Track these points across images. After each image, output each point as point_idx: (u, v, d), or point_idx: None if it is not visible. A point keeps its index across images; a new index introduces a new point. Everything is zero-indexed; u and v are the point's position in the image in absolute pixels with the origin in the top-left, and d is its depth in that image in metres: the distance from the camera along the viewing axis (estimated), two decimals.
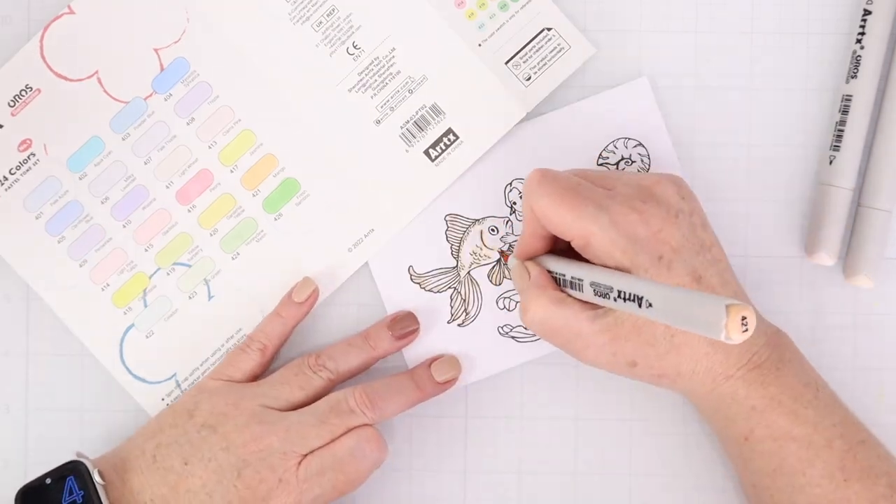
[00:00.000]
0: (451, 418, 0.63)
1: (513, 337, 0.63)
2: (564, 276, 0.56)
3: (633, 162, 0.62)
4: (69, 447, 0.63)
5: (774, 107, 0.63)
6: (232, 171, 0.63)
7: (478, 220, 0.63)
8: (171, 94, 0.63)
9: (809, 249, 0.62)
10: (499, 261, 0.63)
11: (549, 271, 0.57)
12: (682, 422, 0.63)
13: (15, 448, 0.63)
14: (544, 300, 0.55)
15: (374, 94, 0.63)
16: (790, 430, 0.55)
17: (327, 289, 0.63)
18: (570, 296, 0.56)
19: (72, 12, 0.62)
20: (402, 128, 0.63)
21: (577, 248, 0.56)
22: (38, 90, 0.62)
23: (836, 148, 0.61)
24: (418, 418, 0.63)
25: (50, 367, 0.63)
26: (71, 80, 0.62)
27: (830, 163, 0.62)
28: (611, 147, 0.63)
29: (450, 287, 0.63)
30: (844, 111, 0.61)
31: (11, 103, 0.62)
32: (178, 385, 0.62)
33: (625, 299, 0.50)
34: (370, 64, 0.63)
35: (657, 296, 0.48)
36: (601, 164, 0.62)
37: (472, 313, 0.63)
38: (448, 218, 0.63)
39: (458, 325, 0.63)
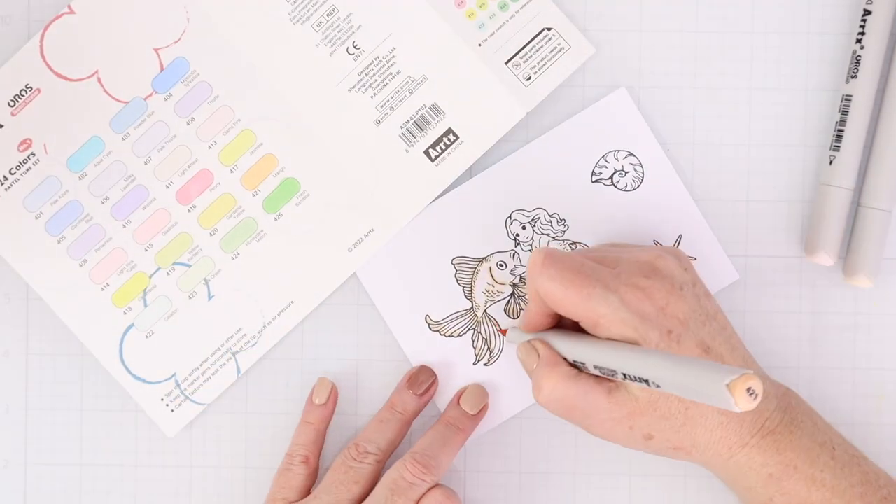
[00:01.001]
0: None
1: None
2: (568, 359, 0.56)
3: (626, 173, 0.62)
4: (69, 447, 0.63)
5: (774, 107, 0.63)
6: (232, 171, 0.63)
7: (484, 257, 0.63)
8: (171, 94, 0.63)
9: (809, 249, 0.62)
10: (513, 294, 0.63)
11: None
12: None
13: (15, 448, 0.63)
14: (558, 377, 0.55)
15: (374, 94, 0.63)
16: (808, 497, 0.55)
17: (327, 289, 0.63)
18: (582, 370, 0.56)
19: (72, 12, 0.62)
20: (402, 128, 0.63)
21: (585, 328, 0.56)
22: (38, 90, 0.62)
23: (836, 148, 0.61)
24: (420, 419, 0.63)
25: (50, 367, 0.63)
26: (71, 80, 0.62)
27: (830, 163, 0.62)
28: (602, 162, 0.63)
29: (469, 329, 0.63)
30: (844, 111, 0.61)
31: (11, 103, 0.62)
32: (178, 385, 0.62)
33: (632, 379, 0.50)
34: (370, 64, 0.63)
35: (662, 374, 0.48)
36: (595, 181, 0.62)
37: (495, 351, 0.63)
38: (455, 261, 0.63)
39: (484, 364, 0.63)
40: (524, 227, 0.63)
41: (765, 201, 0.63)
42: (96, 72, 0.62)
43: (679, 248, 0.62)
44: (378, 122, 0.63)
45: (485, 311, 0.63)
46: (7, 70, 0.62)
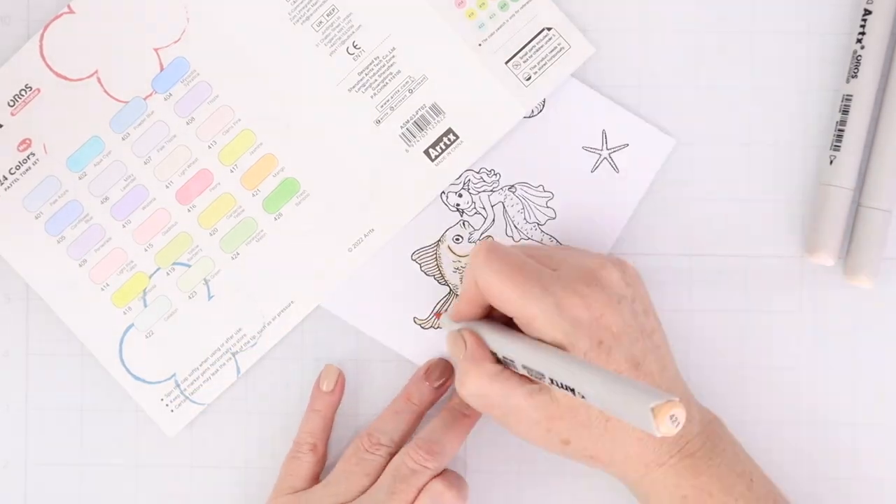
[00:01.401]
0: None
1: None
2: (497, 353, 0.56)
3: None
4: (69, 447, 0.63)
5: (774, 107, 0.63)
6: (232, 171, 0.63)
7: (439, 240, 0.63)
8: (170, 94, 0.63)
9: (809, 249, 0.62)
10: None
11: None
12: None
13: (15, 448, 0.63)
14: (481, 374, 0.55)
15: (374, 94, 0.63)
16: None
17: (327, 289, 0.63)
18: (506, 367, 0.56)
19: (71, 12, 0.62)
20: (402, 127, 0.63)
21: (517, 324, 0.56)
22: (38, 90, 0.62)
23: (836, 148, 0.61)
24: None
25: (50, 367, 0.63)
26: (71, 80, 0.62)
27: (830, 163, 0.62)
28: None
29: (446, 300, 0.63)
30: (844, 111, 0.61)
31: (11, 103, 0.62)
32: (178, 385, 0.62)
33: (559, 386, 0.50)
34: (370, 64, 0.63)
35: (590, 388, 0.48)
36: None
37: None
38: (414, 256, 0.63)
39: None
40: (460, 195, 0.63)
41: (765, 201, 0.63)
42: (96, 71, 0.62)
43: (608, 148, 0.62)
44: (378, 121, 0.63)
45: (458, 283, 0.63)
46: (7, 70, 0.62)
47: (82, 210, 0.62)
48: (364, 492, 0.58)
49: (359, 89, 0.63)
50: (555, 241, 0.63)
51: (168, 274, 0.63)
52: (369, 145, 0.63)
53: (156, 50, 0.63)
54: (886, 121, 0.61)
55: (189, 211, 0.63)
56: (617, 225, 0.62)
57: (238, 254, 0.63)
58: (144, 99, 0.63)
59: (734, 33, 0.63)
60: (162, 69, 0.63)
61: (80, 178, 0.62)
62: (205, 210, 0.63)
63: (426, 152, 0.63)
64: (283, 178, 0.63)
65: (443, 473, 0.58)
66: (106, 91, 0.62)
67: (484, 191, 0.63)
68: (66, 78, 0.62)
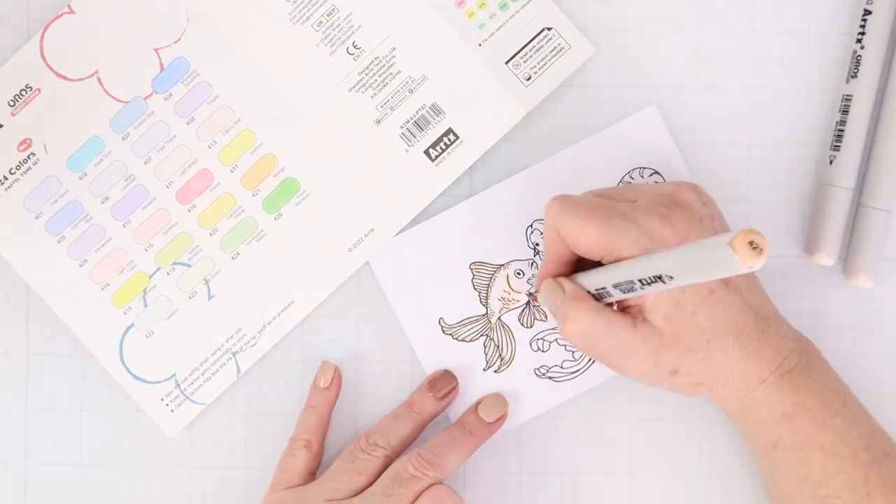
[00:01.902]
0: (451, 420, 0.63)
1: (550, 377, 0.63)
2: (590, 291, 0.56)
3: None
4: (69, 447, 0.63)
5: (774, 107, 0.63)
6: (232, 171, 0.63)
7: (503, 264, 0.63)
8: (171, 94, 0.63)
9: (809, 249, 0.62)
10: (528, 303, 0.63)
11: None
12: (682, 421, 0.63)
13: (15, 448, 0.63)
14: (585, 310, 0.55)
15: (375, 94, 0.63)
16: (817, 439, 0.55)
17: (327, 289, 0.63)
18: (606, 305, 0.56)
19: (72, 12, 0.62)
20: (402, 127, 0.63)
21: (606, 263, 0.56)
22: (38, 90, 0.62)
23: (836, 148, 0.61)
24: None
25: (50, 367, 0.63)
26: (71, 80, 0.62)
27: (831, 163, 0.62)
28: (627, 178, 0.63)
29: (482, 335, 0.63)
30: (844, 111, 0.61)
31: (11, 103, 0.62)
32: (178, 385, 0.62)
33: (649, 283, 0.50)
34: (370, 64, 0.63)
35: (671, 263, 0.48)
36: None
37: (506, 358, 0.63)
38: (473, 266, 0.63)
39: (494, 371, 0.63)
40: (543, 225, 0.62)
41: (765, 201, 0.63)
42: (96, 72, 0.62)
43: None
44: (378, 121, 0.63)
45: (499, 318, 0.63)
46: (7, 70, 0.62)
47: (82, 210, 0.62)
48: (359, 491, 0.58)
49: (359, 89, 0.63)
50: None
51: (168, 274, 0.63)
52: (369, 145, 0.63)
53: (156, 50, 0.63)
54: (886, 121, 0.61)
55: (189, 211, 0.63)
56: None
57: (238, 254, 0.63)
58: (145, 99, 0.63)
59: (734, 33, 0.63)
60: (162, 69, 0.63)
61: (80, 178, 0.62)
62: (205, 210, 0.63)
63: (426, 152, 0.63)
64: (284, 178, 0.63)
65: (441, 484, 0.58)
66: (106, 91, 0.62)
67: None
68: (66, 78, 0.62)
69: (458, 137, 0.63)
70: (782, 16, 0.63)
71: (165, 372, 0.63)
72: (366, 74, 0.63)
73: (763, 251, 0.43)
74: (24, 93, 0.62)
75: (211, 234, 0.63)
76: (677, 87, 0.63)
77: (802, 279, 0.63)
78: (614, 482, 0.63)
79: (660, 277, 0.49)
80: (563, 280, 0.57)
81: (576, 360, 0.63)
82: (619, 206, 0.55)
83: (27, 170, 0.62)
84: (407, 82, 0.63)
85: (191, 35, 0.63)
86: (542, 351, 0.63)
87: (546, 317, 0.63)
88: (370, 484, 0.59)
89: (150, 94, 0.63)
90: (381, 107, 0.63)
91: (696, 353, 0.55)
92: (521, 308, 0.63)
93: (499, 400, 0.62)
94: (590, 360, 0.62)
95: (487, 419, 0.61)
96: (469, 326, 0.63)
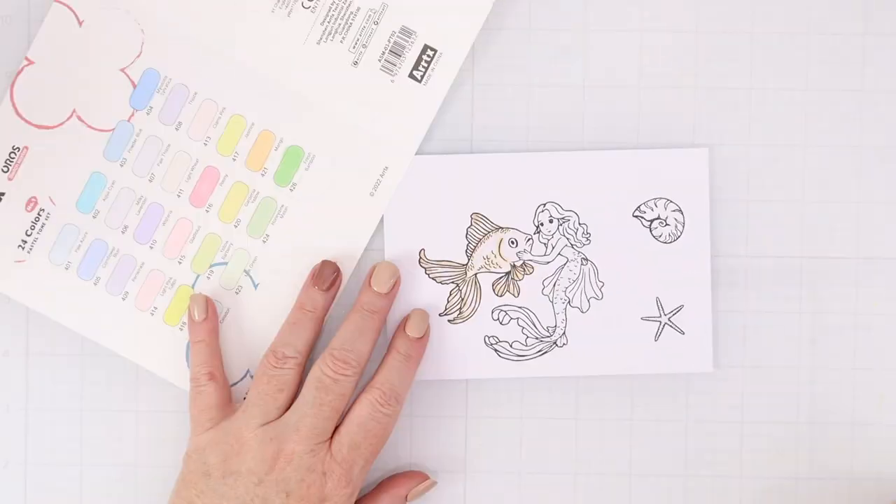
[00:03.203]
0: (451, 418, 0.63)
1: (495, 350, 0.62)
2: None
3: (667, 224, 0.62)
4: (69, 447, 0.63)
5: (774, 106, 0.63)
6: (234, 159, 0.63)
7: (501, 227, 0.63)
8: (151, 107, 0.63)
9: None
10: (508, 273, 0.63)
11: None
12: (682, 422, 0.63)
13: (15, 448, 0.63)
14: None
15: (343, 38, 0.62)
16: None
17: (363, 240, 0.62)
18: None
19: (31, 62, 0.62)
20: (379, 61, 0.62)
21: None
22: (26, 147, 0.62)
23: None
24: (419, 419, 0.63)
25: (50, 367, 0.63)
26: (52, 128, 0.62)
27: None
28: (651, 203, 0.62)
29: (453, 282, 0.63)
30: None
31: (5, 169, 0.62)
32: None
33: None
34: (328, 11, 0.62)
35: None
36: (636, 217, 0.62)
37: (465, 314, 0.63)
38: (474, 216, 0.63)
39: (449, 320, 0.63)
40: (551, 221, 0.62)
41: (765, 201, 0.63)
42: (74, 111, 0.62)
43: (673, 318, 0.62)
44: (355, 63, 0.62)
45: (476, 274, 0.63)
46: None
47: (107, 246, 0.63)
48: (286, 407, 0.58)
49: (326, 39, 0.62)
50: (563, 327, 0.62)
51: (209, 278, 0.63)
52: (355, 88, 0.62)
53: (122, 70, 0.62)
54: None
55: (207, 212, 0.63)
56: None
57: (268, 236, 0.63)
58: (128, 121, 0.63)
59: (734, 33, 0.62)
60: (134, 87, 0.63)
61: (94, 217, 0.62)
62: (222, 205, 0.63)
63: (411, 76, 0.62)
64: (286, 149, 0.62)
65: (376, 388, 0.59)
66: (89, 126, 0.62)
67: (568, 239, 0.62)
68: (47, 127, 0.62)
69: (436, 51, 0.62)
70: (782, 16, 0.63)
71: (239, 372, 0.63)
72: (327, 22, 0.62)
73: None
74: (13, 155, 0.62)
75: (236, 227, 0.63)
76: (678, 88, 0.63)
77: (802, 279, 0.63)
78: (614, 482, 0.63)
79: None
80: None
81: (526, 347, 0.62)
82: None
83: (42, 227, 0.62)
84: (369, 15, 0.62)
85: (150, 45, 0.62)
86: (501, 323, 0.62)
87: (518, 294, 0.62)
88: (294, 397, 0.59)
89: (132, 115, 0.63)
90: (354, 48, 0.62)
91: None
92: (500, 276, 0.63)
93: (389, 268, 0.61)
94: (538, 350, 0.62)
95: (380, 290, 0.61)
96: (445, 269, 0.62)
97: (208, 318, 0.61)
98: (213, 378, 0.60)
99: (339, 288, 0.62)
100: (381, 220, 0.62)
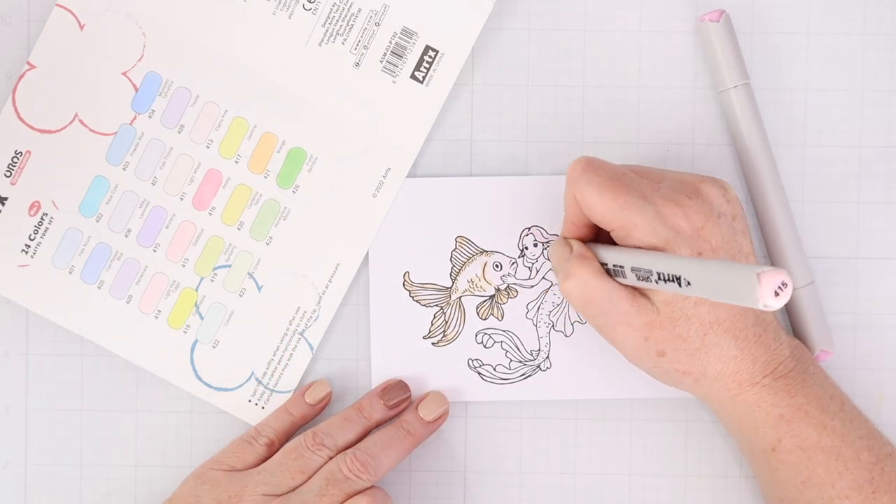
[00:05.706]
0: (450, 419, 0.63)
1: (479, 373, 0.63)
2: (606, 264, 0.56)
3: None
4: (69, 447, 0.63)
5: (775, 107, 0.63)
6: (237, 162, 0.63)
7: (486, 251, 0.63)
8: (153, 111, 0.63)
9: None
10: (492, 297, 0.63)
11: None
12: (682, 422, 0.63)
13: (15, 448, 0.63)
14: (589, 268, 0.55)
15: (345, 40, 0.62)
16: (819, 441, 0.55)
17: (366, 240, 0.63)
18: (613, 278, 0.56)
19: (32, 67, 0.62)
20: (381, 62, 0.62)
21: (616, 239, 0.56)
22: (28, 152, 0.62)
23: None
24: None
25: (50, 367, 0.63)
26: (55, 132, 0.62)
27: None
28: None
29: (437, 305, 0.63)
30: None
31: (7, 173, 0.62)
32: (259, 382, 0.63)
33: (665, 280, 0.50)
34: (330, 12, 0.62)
35: (695, 271, 0.48)
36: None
37: (449, 337, 0.63)
38: (459, 239, 0.63)
39: (432, 343, 0.63)
40: (536, 245, 0.62)
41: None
42: (76, 115, 0.62)
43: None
44: (357, 64, 0.62)
45: (460, 297, 0.63)
46: None
47: (110, 250, 0.63)
48: (293, 489, 0.58)
49: (328, 40, 0.62)
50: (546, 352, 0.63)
51: (212, 281, 0.63)
52: (357, 90, 0.62)
53: (124, 74, 0.62)
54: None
55: (210, 214, 0.63)
56: None
57: (271, 238, 0.63)
58: (130, 124, 0.63)
59: (737, 34, 0.62)
60: (136, 90, 0.63)
61: (97, 221, 0.63)
62: (225, 208, 0.63)
63: (413, 77, 0.62)
64: (288, 151, 0.63)
65: (370, 490, 0.58)
66: (92, 130, 0.62)
67: (551, 262, 0.62)
68: (49, 131, 0.62)
69: (437, 52, 0.62)
70: (782, 16, 0.63)
71: (243, 374, 0.63)
72: (329, 24, 0.62)
73: (785, 297, 0.43)
74: (15, 160, 0.62)
75: (239, 229, 0.63)
76: (678, 88, 0.63)
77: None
78: (614, 482, 0.63)
79: (678, 279, 0.49)
80: (573, 241, 0.58)
81: (510, 371, 0.63)
82: (642, 184, 0.55)
83: (45, 231, 0.62)
84: (371, 16, 0.62)
85: (151, 48, 0.62)
86: (484, 346, 0.63)
87: (502, 317, 0.63)
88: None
89: (134, 118, 0.63)
90: (355, 49, 0.62)
91: (690, 341, 0.55)
92: (485, 299, 0.63)
93: (439, 398, 0.62)
94: (522, 374, 0.62)
95: (428, 418, 0.61)
96: (429, 292, 0.63)
97: (314, 407, 0.62)
98: (269, 446, 0.61)
99: (401, 410, 0.62)
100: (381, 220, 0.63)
